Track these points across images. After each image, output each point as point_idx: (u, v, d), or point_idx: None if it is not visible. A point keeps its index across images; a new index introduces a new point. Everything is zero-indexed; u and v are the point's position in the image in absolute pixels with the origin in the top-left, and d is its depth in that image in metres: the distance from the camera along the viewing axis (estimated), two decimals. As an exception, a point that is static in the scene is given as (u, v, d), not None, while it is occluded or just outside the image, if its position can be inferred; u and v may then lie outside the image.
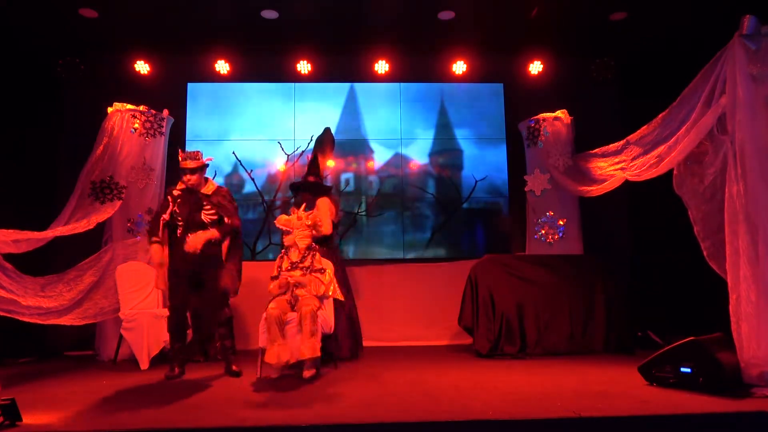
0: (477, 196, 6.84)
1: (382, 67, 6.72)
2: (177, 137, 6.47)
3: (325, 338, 4.51)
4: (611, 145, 5.01)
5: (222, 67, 6.62)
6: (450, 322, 5.95)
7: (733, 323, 3.52)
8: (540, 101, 6.50)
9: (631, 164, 4.57)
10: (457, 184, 6.86)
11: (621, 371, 4.20)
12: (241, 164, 6.69)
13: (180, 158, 4.45)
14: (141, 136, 5.81)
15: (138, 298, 5.27)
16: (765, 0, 4.19)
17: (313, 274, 4.43)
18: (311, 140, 6.75)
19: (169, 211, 4.35)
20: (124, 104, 5.81)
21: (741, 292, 3.47)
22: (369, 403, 3.29)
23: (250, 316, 5.81)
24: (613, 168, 4.90)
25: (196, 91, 6.82)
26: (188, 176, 4.41)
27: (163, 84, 6.60)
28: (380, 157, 6.89)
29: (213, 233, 4.30)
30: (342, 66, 6.84)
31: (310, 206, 5.30)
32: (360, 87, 6.94)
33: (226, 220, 4.39)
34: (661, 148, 4.17)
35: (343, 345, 5.13)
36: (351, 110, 6.93)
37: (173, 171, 6.20)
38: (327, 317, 4.51)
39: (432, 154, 6.92)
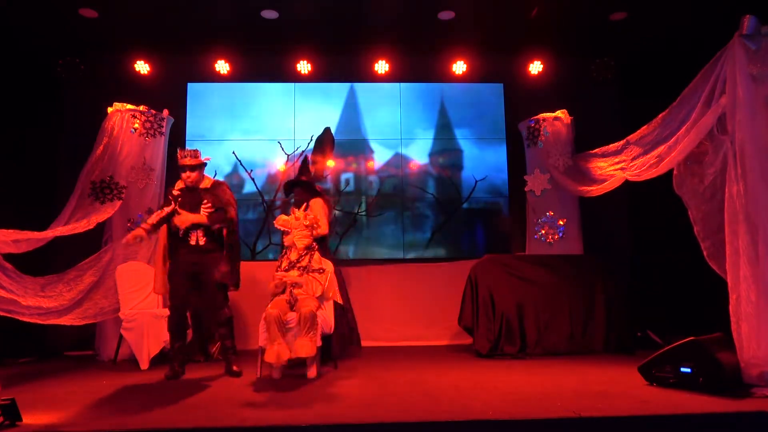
0: (477, 196, 6.84)
1: (382, 67, 6.72)
2: (177, 137, 6.47)
3: (325, 338, 4.51)
4: (611, 145, 5.01)
5: (222, 67, 6.62)
6: (450, 322, 5.96)
7: (733, 323, 3.52)
8: (540, 101, 6.50)
9: (631, 164, 4.57)
10: (457, 184, 6.86)
11: (621, 371, 4.20)
12: (241, 164, 6.69)
13: (179, 156, 4.48)
14: (141, 136, 5.81)
15: (138, 298, 5.27)
16: (765, 0, 4.19)
17: (310, 274, 4.43)
18: (311, 140, 6.76)
19: (170, 209, 4.38)
20: (124, 104, 5.81)
21: (741, 292, 3.47)
22: (369, 403, 3.29)
23: (251, 316, 5.82)
24: (613, 168, 4.90)
25: (196, 91, 6.82)
26: (188, 173, 4.44)
27: (163, 84, 6.60)
28: (380, 157, 6.89)
29: (201, 218, 4.33)
30: (342, 66, 6.84)
31: (304, 205, 5.31)
32: (360, 87, 6.94)
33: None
34: (661, 148, 4.17)
35: (334, 344, 5.13)
36: (351, 110, 6.93)
37: (173, 171, 6.19)
38: (327, 317, 4.51)
39: (432, 154, 6.92)
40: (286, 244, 4.60)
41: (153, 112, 5.92)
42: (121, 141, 5.69)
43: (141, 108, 5.85)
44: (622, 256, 6.34)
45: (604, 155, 5.15)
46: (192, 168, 4.44)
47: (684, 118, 3.98)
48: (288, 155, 6.74)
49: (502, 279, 5.44)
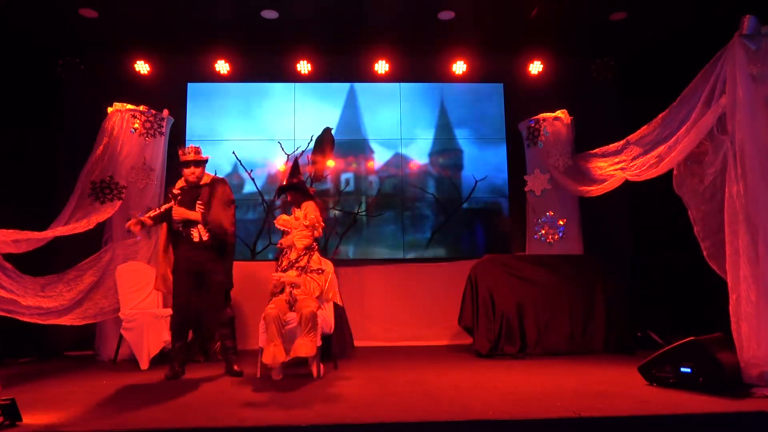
0: (477, 196, 6.84)
1: (382, 67, 6.72)
2: (177, 137, 6.46)
3: (325, 338, 4.52)
4: (611, 145, 5.01)
5: (222, 67, 6.62)
6: (450, 322, 5.96)
7: (733, 323, 3.53)
8: (540, 101, 6.50)
9: (631, 164, 4.57)
10: (457, 184, 6.86)
11: (621, 371, 4.20)
12: (241, 164, 6.69)
13: (181, 153, 4.49)
14: (141, 136, 5.81)
15: (138, 298, 5.27)
16: (765, 0, 4.19)
17: (309, 275, 4.43)
18: (311, 140, 6.77)
19: (169, 206, 4.40)
20: (124, 104, 5.81)
21: (741, 292, 3.47)
22: (369, 403, 3.29)
23: (251, 316, 5.82)
24: (613, 168, 4.90)
25: (196, 91, 6.82)
26: (192, 168, 4.46)
27: (163, 84, 6.60)
28: (380, 157, 6.89)
29: (196, 215, 4.35)
30: (342, 66, 6.84)
31: (297, 207, 5.32)
32: (360, 87, 6.94)
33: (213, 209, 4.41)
34: (661, 148, 4.17)
35: (334, 344, 5.13)
36: (351, 110, 6.93)
37: (173, 171, 6.19)
38: (327, 317, 4.51)
39: (432, 154, 6.92)
40: (285, 243, 4.59)
41: (153, 112, 5.92)
42: (121, 141, 5.69)
43: (141, 108, 5.85)
44: (622, 256, 6.35)
45: (604, 155, 5.15)
46: (196, 164, 4.48)
47: (684, 118, 3.98)
48: (288, 155, 6.74)
49: (502, 279, 5.44)
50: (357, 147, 6.88)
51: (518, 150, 6.70)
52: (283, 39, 6.39)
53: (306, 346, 4.03)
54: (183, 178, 4.57)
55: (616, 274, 5.65)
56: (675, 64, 5.77)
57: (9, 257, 4.62)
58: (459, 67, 6.76)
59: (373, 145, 6.90)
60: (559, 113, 6.29)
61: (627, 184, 4.83)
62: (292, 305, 4.34)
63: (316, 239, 5.03)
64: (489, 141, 6.93)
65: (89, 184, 5.48)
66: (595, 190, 5.23)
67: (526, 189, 6.39)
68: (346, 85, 6.95)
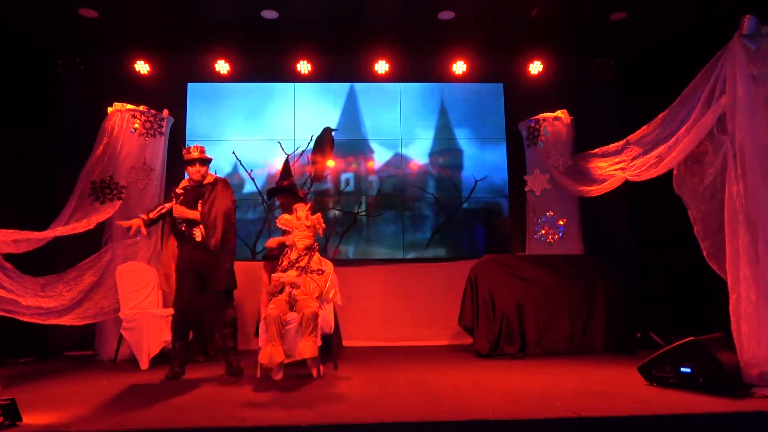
0: (477, 196, 6.84)
1: (382, 67, 6.72)
2: (177, 137, 6.46)
3: (325, 338, 4.52)
4: (611, 145, 5.01)
5: (222, 67, 6.62)
6: (450, 322, 5.96)
7: (733, 323, 3.52)
8: (540, 101, 6.51)
9: (631, 164, 4.57)
10: (457, 184, 6.86)
11: (621, 371, 4.20)
12: (241, 164, 6.69)
13: (186, 152, 4.52)
14: (141, 136, 5.81)
15: (138, 298, 5.27)
16: (765, 0, 4.19)
17: (309, 275, 4.43)
18: (311, 140, 6.77)
19: (170, 205, 4.40)
20: (124, 104, 5.81)
21: (741, 292, 3.47)
22: (369, 403, 3.28)
23: (252, 317, 5.82)
24: (613, 168, 4.90)
25: (196, 91, 6.82)
26: (198, 167, 4.49)
27: (163, 84, 6.60)
28: (380, 157, 6.89)
29: (195, 215, 4.35)
30: (342, 66, 6.84)
31: (288, 210, 5.33)
32: (360, 87, 6.94)
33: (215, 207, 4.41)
34: (661, 148, 4.17)
35: (334, 344, 5.14)
36: (351, 110, 6.93)
37: (173, 171, 6.21)
38: (327, 317, 4.51)
39: (432, 154, 6.92)
40: (287, 243, 4.60)
41: (153, 112, 5.92)
42: (121, 141, 5.69)
43: (141, 108, 5.85)
44: (622, 256, 6.34)
45: (604, 155, 5.15)
46: (201, 162, 4.50)
47: (684, 118, 3.98)
48: (288, 155, 6.74)
49: (502, 279, 5.44)
50: (357, 147, 6.88)
51: (518, 150, 6.70)
52: (283, 39, 6.39)
53: (308, 348, 4.02)
54: (187, 178, 4.59)
55: (616, 274, 5.65)
56: (675, 64, 5.77)
57: (9, 257, 4.62)
58: (459, 67, 6.76)
59: (373, 145, 6.90)
60: (559, 113, 6.29)
61: (627, 184, 4.83)
62: (292, 305, 4.33)
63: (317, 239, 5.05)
64: (489, 141, 6.93)
65: (89, 184, 5.48)
66: (595, 190, 5.23)
67: (526, 189, 6.39)
68: (346, 85, 6.95)
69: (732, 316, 3.53)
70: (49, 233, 4.92)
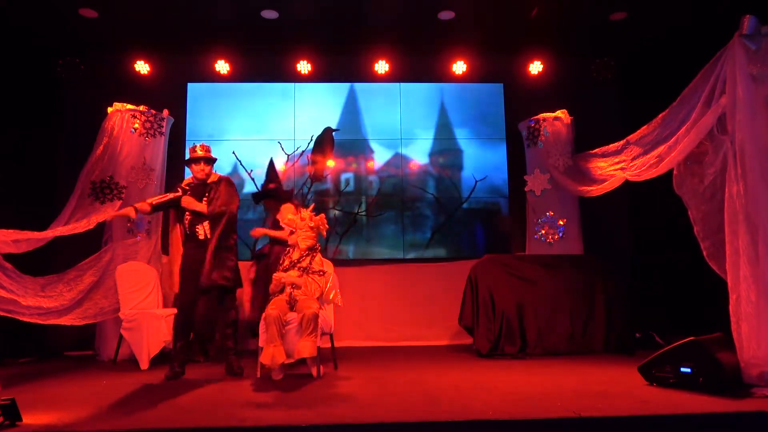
0: (477, 196, 6.84)
1: (382, 67, 6.72)
2: (177, 137, 6.47)
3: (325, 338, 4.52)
4: (611, 145, 5.00)
5: (222, 67, 6.62)
6: (450, 322, 5.96)
7: (733, 323, 3.52)
8: (540, 101, 6.50)
9: (631, 164, 4.57)
10: (457, 184, 6.86)
11: (621, 371, 4.20)
12: (241, 164, 6.69)
13: (190, 150, 4.57)
14: (141, 136, 5.81)
15: (138, 298, 5.27)
16: (765, 0, 4.19)
17: (310, 275, 4.43)
18: (311, 140, 6.77)
19: (176, 195, 4.45)
20: (124, 104, 5.80)
21: (741, 292, 3.47)
22: (369, 403, 3.29)
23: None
24: (613, 168, 4.90)
25: (196, 91, 6.82)
26: (203, 165, 4.53)
27: (163, 84, 6.60)
28: (380, 157, 6.89)
29: (202, 207, 4.40)
30: (342, 66, 6.84)
31: (275, 213, 5.36)
32: (360, 87, 6.94)
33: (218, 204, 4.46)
34: (661, 148, 4.17)
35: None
36: (351, 110, 6.93)
37: (173, 171, 6.21)
38: (327, 317, 4.52)
39: (432, 154, 6.92)
40: (289, 242, 4.61)
41: (153, 112, 5.92)
42: (121, 141, 5.68)
43: (141, 108, 5.85)
44: (622, 256, 6.34)
45: (604, 155, 5.15)
46: (206, 161, 4.56)
47: (684, 118, 3.98)
48: (288, 155, 6.75)
49: (502, 279, 5.45)
50: (357, 147, 6.88)
51: (518, 150, 6.70)
52: (283, 39, 6.39)
53: (308, 347, 4.02)
54: (191, 176, 4.62)
55: (616, 274, 5.65)
56: (675, 64, 5.77)
57: (9, 257, 4.62)
58: (459, 67, 6.76)
59: (373, 145, 6.90)
60: (559, 113, 6.29)
61: (627, 184, 4.83)
62: (292, 306, 4.33)
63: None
64: (489, 141, 6.93)
65: (89, 184, 5.48)
66: (595, 190, 5.23)
67: (526, 189, 6.39)
68: (346, 85, 6.95)
69: (732, 316, 3.53)
70: (49, 233, 4.91)
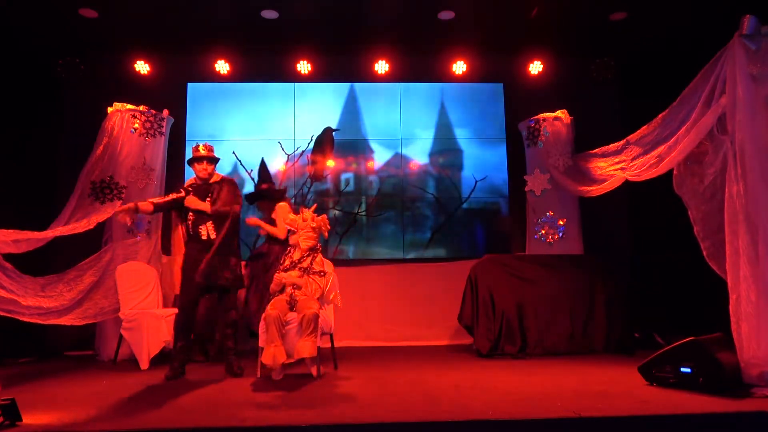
0: (477, 196, 6.84)
1: (382, 67, 6.72)
2: (177, 137, 6.47)
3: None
4: (611, 145, 5.00)
5: (222, 67, 6.62)
6: (450, 321, 5.96)
7: (733, 323, 3.52)
8: (540, 101, 6.50)
9: (631, 164, 4.57)
10: (457, 184, 6.86)
11: (621, 371, 4.20)
12: (241, 164, 6.69)
13: (194, 150, 4.58)
14: (141, 136, 5.81)
15: (138, 298, 5.27)
16: (765, 0, 4.19)
17: (311, 276, 4.43)
18: (311, 140, 6.78)
19: (179, 195, 4.45)
20: (124, 104, 5.80)
21: (741, 292, 3.47)
22: (369, 403, 3.29)
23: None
24: (613, 168, 4.89)
25: (196, 91, 6.82)
26: (205, 164, 4.54)
27: (163, 84, 6.60)
28: (380, 157, 6.89)
29: (206, 206, 4.39)
30: (342, 66, 6.84)
31: (269, 213, 5.36)
32: (360, 87, 6.94)
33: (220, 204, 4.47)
34: (661, 148, 4.17)
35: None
36: (351, 110, 6.93)
37: (173, 171, 6.22)
38: (327, 317, 4.52)
39: (432, 154, 6.92)
40: (291, 242, 4.62)
41: (153, 112, 5.92)
42: (121, 141, 5.68)
43: (141, 108, 5.85)
44: (622, 256, 6.34)
45: (604, 155, 5.15)
46: (209, 160, 4.57)
47: (684, 118, 3.97)
48: (288, 155, 6.75)
49: (502, 279, 5.45)
50: (357, 147, 6.88)
51: (518, 150, 6.70)
52: (283, 39, 6.39)
53: (307, 347, 4.02)
54: (194, 177, 4.63)
55: (616, 274, 5.65)
56: (675, 64, 5.77)
57: (9, 257, 4.62)
58: (459, 67, 6.76)
59: (373, 145, 6.90)
60: (559, 113, 6.29)
61: (627, 184, 4.83)
62: (292, 306, 4.33)
63: (283, 240, 5.10)
64: (489, 141, 6.93)
65: (89, 184, 5.48)
66: (595, 190, 5.23)
67: (526, 189, 6.39)
68: (346, 85, 6.95)
69: (732, 316, 3.53)
70: (49, 233, 4.92)
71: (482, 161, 6.89)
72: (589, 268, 5.60)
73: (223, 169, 6.57)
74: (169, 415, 3.06)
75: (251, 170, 6.69)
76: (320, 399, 3.43)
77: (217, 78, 6.72)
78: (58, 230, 5.00)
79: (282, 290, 4.44)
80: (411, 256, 6.72)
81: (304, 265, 4.47)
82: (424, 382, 3.94)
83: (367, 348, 6.02)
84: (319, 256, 4.57)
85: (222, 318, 4.52)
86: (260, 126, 6.82)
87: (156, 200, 4.51)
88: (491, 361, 5.03)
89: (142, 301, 5.28)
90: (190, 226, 4.45)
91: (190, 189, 4.54)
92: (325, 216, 4.64)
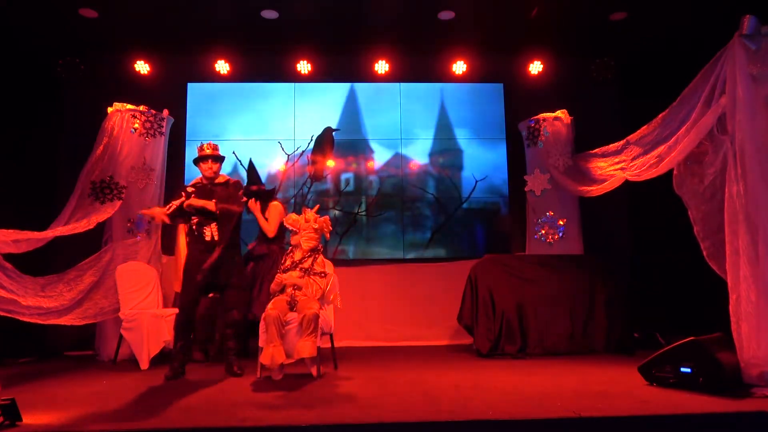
0: (477, 196, 6.84)
1: (382, 67, 6.72)
2: (177, 137, 6.47)
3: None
4: (611, 145, 5.00)
5: (222, 67, 6.62)
6: (450, 321, 5.96)
7: (733, 323, 3.52)
8: (540, 101, 6.50)
9: (631, 164, 4.57)
10: (457, 184, 6.86)
11: (621, 371, 4.20)
12: (241, 164, 6.69)
13: (198, 149, 4.58)
14: (141, 136, 5.81)
15: (138, 298, 5.27)
16: (765, 0, 4.19)
17: (311, 276, 4.43)
18: (311, 140, 6.78)
19: (180, 201, 4.41)
20: (124, 104, 5.80)
21: (741, 292, 3.47)
22: (369, 403, 3.28)
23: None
24: (613, 168, 4.89)
25: (196, 91, 6.82)
26: (211, 163, 4.53)
27: (163, 84, 6.60)
28: (380, 157, 6.89)
29: (210, 205, 4.38)
30: (342, 66, 6.85)
31: (262, 213, 5.37)
32: (360, 87, 6.95)
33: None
34: (661, 148, 4.17)
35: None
36: (351, 110, 6.94)
37: (173, 171, 6.22)
38: (327, 317, 4.52)
39: (432, 154, 6.93)
40: (292, 243, 4.63)
41: (153, 112, 5.92)
42: (121, 141, 5.68)
43: (141, 108, 5.85)
44: (622, 256, 6.35)
45: (604, 155, 5.15)
46: (214, 159, 4.56)
47: (684, 118, 3.97)
48: (288, 155, 6.75)
49: (502, 279, 5.45)
50: (357, 147, 6.88)
51: (518, 150, 6.70)
52: (283, 39, 6.39)
53: (307, 347, 4.02)
54: (199, 177, 4.62)
55: (616, 274, 5.65)
56: (675, 64, 5.77)
57: (9, 257, 4.62)
58: (459, 67, 6.76)
59: (373, 145, 6.91)
60: (559, 113, 6.29)
61: (627, 184, 4.83)
62: (292, 306, 4.33)
63: (273, 239, 5.09)
64: (489, 141, 6.93)
65: (89, 184, 5.48)
66: (595, 190, 5.23)
67: (526, 189, 6.39)
68: (346, 85, 6.95)
69: (732, 316, 3.53)
70: (49, 233, 4.92)
71: (482, 161, 6.89)
72: (589, 268, 5.60)
73: (223, 169, 6.56)
74: (169, 415, 3.05)
75: (251, 170, 6.69)
76: (320, 399, 3.43)
77: (217, 78, 6.72)
78: (58, 230, 5.00)
79: (282, 290, 4.44)
80: (411, 256, 6.72)
81: (305, 265, 4.47)
82: (424, 382, 3.94)
83: (367, 348, 6.02)
84: (320, 257, 4.58)
85: (222, 318, 4.52)
86: (260, 126, 6.82)
87: (168, 211, 4.35)
88: (491, 361, 5.03)
89: (142, 301, 5.28)
90: (195, 227, 4.43)
91: (192, 192, 4.50)
92: (327, 217, 4.64)
